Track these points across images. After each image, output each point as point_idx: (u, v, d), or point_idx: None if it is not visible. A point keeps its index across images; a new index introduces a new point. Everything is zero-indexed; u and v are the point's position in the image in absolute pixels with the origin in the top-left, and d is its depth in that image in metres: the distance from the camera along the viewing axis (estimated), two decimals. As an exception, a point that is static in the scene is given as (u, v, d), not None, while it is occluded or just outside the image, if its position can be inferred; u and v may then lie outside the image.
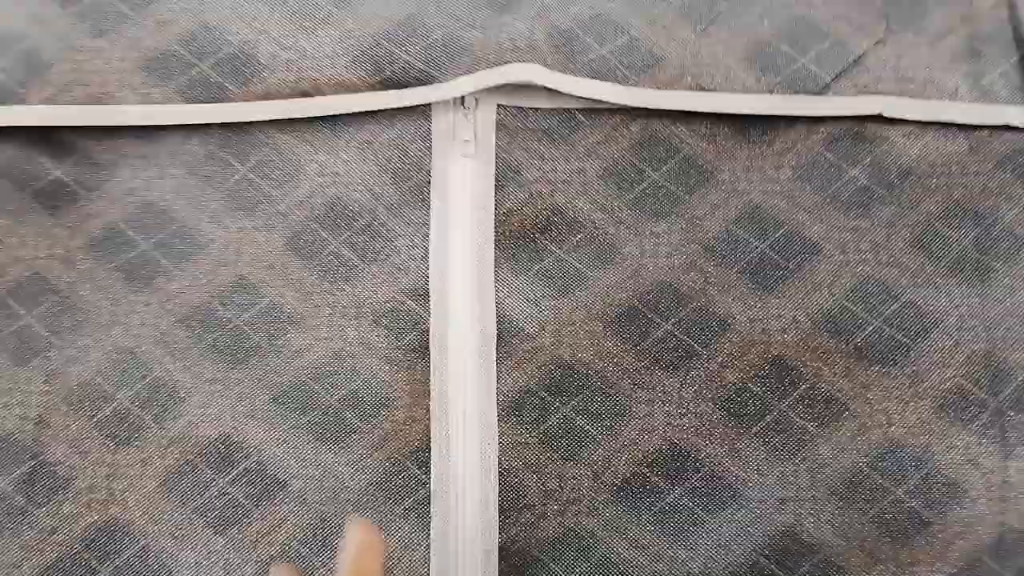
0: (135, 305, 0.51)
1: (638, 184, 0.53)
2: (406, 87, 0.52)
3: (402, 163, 0.53)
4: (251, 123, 0.54)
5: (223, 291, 0.51)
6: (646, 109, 0.53)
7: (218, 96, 0.53)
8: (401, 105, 0.52)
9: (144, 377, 0.49)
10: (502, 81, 0.51)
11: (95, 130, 0.54)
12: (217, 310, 0.51)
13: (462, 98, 0.53)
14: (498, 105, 0.54)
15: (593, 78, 0.52)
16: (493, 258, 0.52)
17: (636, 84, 0.52)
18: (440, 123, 0.53)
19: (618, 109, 0.53)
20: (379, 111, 0.53)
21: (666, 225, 0.52)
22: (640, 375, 0.49)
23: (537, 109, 0.54)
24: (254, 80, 0.53)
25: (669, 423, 0.48)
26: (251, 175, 0.54)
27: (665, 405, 0.48)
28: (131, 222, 0.53)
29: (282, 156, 0.54)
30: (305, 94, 0.53)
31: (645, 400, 0.48)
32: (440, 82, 0.52)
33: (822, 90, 0.52)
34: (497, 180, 0.53)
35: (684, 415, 0.48)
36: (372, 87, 0.53)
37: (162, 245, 0.52)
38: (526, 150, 0.53)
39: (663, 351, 0.49)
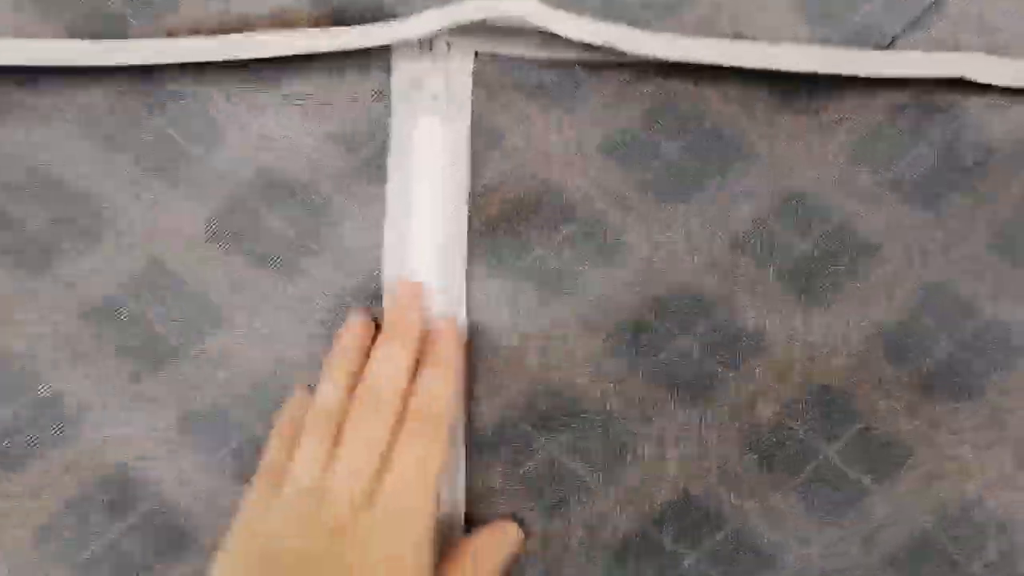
0: (25, 299, 0.40)
1: (651, 160, 0.42)
2: (360, 23, 0.41)
3: (353, 125, 0.43)
4: (163, 67, 0.43)
5: (133, 279, 0.41)
6: (665, 64, 0.42)
7: (117, 32, 0.42)
8: (352, 47, 0.41)
9: (34, 388, 0.39)
10: (483, 16, 0.40)
11: None
12: (125, 303, 0.40)
13: (429, 42, 0.42)
14: (476, 52, 0.43)
15: (602, 20, 0.41)
16: (465, 251, 0.42)
17: (657, 28, 0.41)
18: (402, 74, 0.43)
19: (629, 64, 0.42)
20: (324, 55, 0.43)
21: (685, 214, 0.42)
22: (649, 406, 0.39)
23: (526, 59, 0.43)
24: (164, 11, 0.43)
25: (684, 468, 0.38)
26: (169, 130, 0.43)
27: (680, 445, 0.38)
28: (14, 194, 0.42)
29: (203, 112, 0.43)
30: (231, 31, 0.42)
31: (655, 438, 0.38)
32: (403, 17, 0.41)
33: (888, 45, 0.42)
34: (473, 147, 0.43)
35: (704, 458, 0.38)
36: (316, 22, 0.42)
37: (56, 222, 0.42)
38: (510, 111, 0.43)
39: (679, 375, 0.39)
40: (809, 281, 0.40)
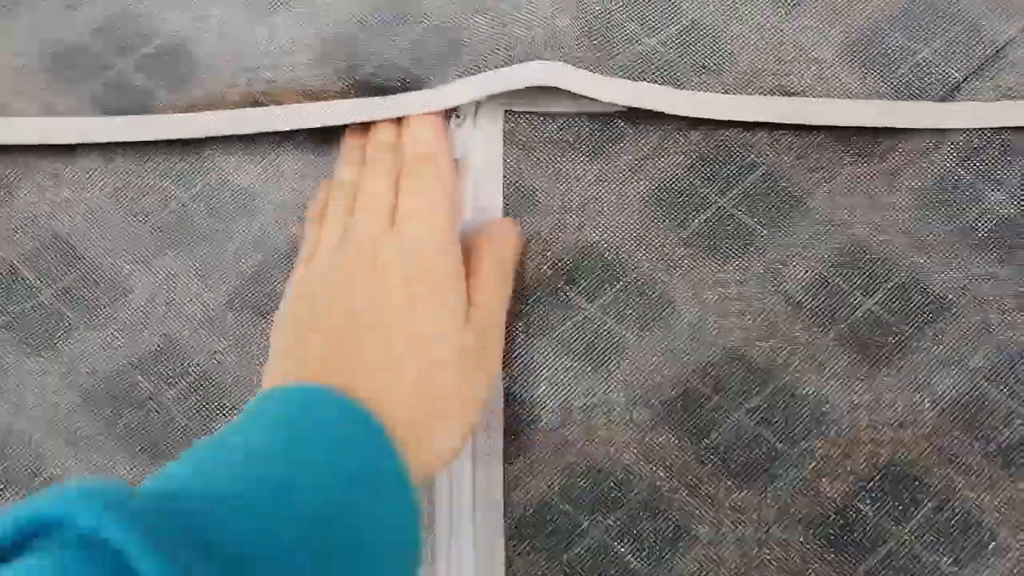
0: (27, 376, 0.39)
1: (699, 213, 0.40)
2: (386, 94, 0.40)
3: None
4: (197, 142, 0.42)
5: (145, 357, 0.39)
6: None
7: (142, 105, 0.41)
8: (378, 118, 0.40)
9: (35, 476, 0.37)
10: (515, 86, 0.39)
11: None
12: (137, 382, 0.38)
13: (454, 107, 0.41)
14: (505, 111, 0.41)
15: (638, 79, 0.38)
16: (504, 317, 0.39)
17: (697, 87, 0.39)
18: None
19: (671, 116, 0.40)
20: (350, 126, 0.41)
21: (737, 271, 0.39)
22: (703, 486, 0.36)
23: (559, 115, 0.41)
24: (190, 83, 0.42)
25: (744, 554, 0.35)
26: (192, 205, 0.41)
27: (738, 528, 0.35)
28: (30, 261, 0.41)
29: (227, 184, 0.41)
30: (256, 103, 0.40)
31: (710, 520, 0.35)
32: (429, 87, 0.39)
33: (950, 93, 0.39)
34: (506, 207, 0.40)
35: (764, 544, 0.35)
36: (342, 94, 0.40)
37: (67, 293, 0.40)
38: (544, 168, 0.41)
39: (734, 451, 0.36)
40: (874, 343, 0.37)
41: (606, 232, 0.40)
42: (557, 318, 0.39)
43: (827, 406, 0.36)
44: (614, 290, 0.40)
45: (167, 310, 0.41)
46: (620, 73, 0.39)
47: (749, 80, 0.39)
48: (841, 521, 0.35)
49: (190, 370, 0.40)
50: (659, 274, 0.40)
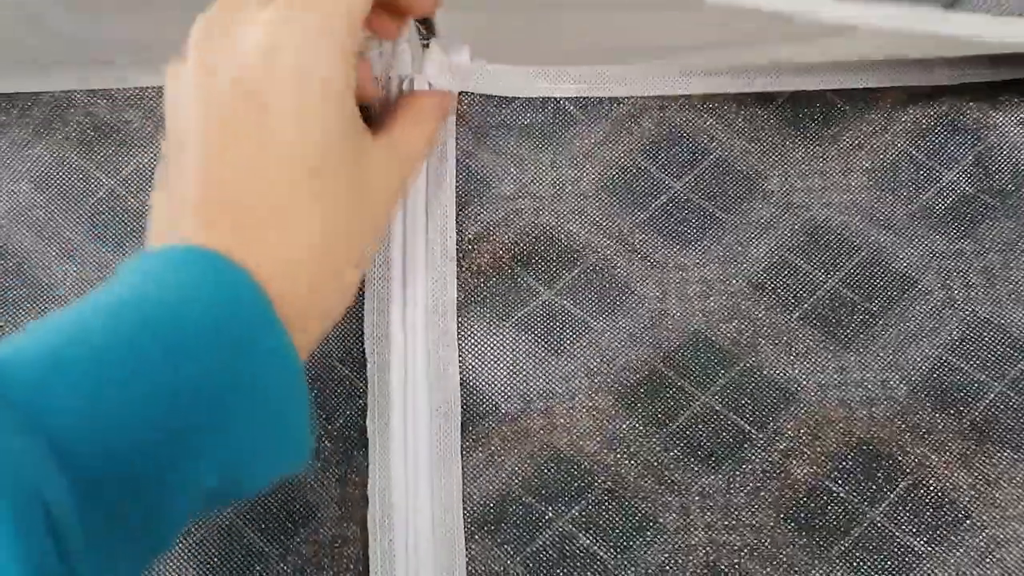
0: None
1: (654, 198, 0.39)
2: None
3: None
4: (118, 120, 0.41)
5: None
6: (659, 97, 0.39)
7: None
8: None
9: None
10: None
11: None
12: None
13: (411, 80, 0.39)
14: (460, 93, 0.39)
15: None
16: (455, 304, 0.38)
17: None
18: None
19: (624, 98, 0.39)
20: None
21: (696, 254, 0.38)
22: (668, 471, 0.34)
23: (511, 99, 0.39)
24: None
25: (713, 540, 0.34)
26: (122, 191, 0.39)
27: (706, 514, 0.34)
28: None
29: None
30: None
31: (677, 507, 0.34)
32: None
33: (949, 3, 0.38)
34: (459, 195, 0.39)
35: (734, 528, 0.34)
36: None
37: None
38: (498, 153, 0.39)
39: (701, 436, 0.35)
40: (839, 322, 0.36)
41: (562, 217, 0.39)
42: (514, 303, 0.38)
43: (795, 386, 0.35)
44: (572, 275, 0.38)
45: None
46: None
47: None
48: (812, 504, 0.34)
49: None
50: (618, 259, 0.38)
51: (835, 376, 0.35)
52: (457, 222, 0.39)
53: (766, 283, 0.38)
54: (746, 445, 0.34)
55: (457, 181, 0.39)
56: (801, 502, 0.34)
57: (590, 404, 0.36)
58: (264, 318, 0.28)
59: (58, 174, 0.41)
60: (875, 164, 0.39)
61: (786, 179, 0.39)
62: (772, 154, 0.40)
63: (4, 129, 0.41)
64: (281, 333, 0.28)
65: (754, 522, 0.33)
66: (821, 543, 0.33)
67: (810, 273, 0.37)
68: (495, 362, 0.37)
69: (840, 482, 0.34)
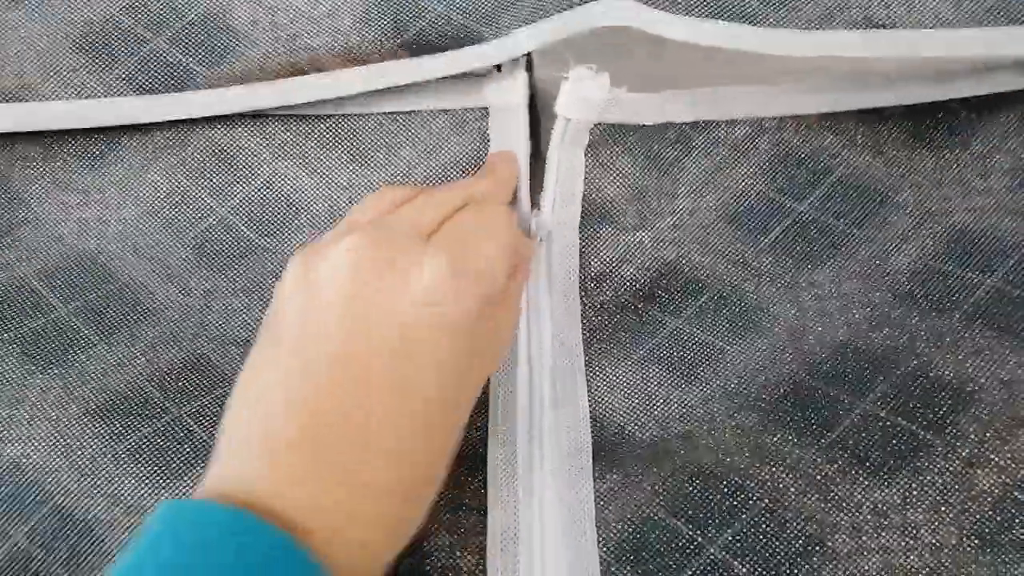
0: (28, 390, 0.33)
1: (779, 221, 0.36)
2: (437, 51, 0.36)
3: None
4: (234, 147, 0.41)
5: (167, 376, 0.34)
6: (780, 117, 0.37)
7: (180, 83, 0.38)
8: (430, 77, 0.36)
9: (42, 503, 0.32)
10: (578, 28, 0.36)
11: (14, 145, 0.41)
12: (153, 398, 0.33)
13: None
14: (593, 125, 0.38)
15: (712, 17, 0.35)
16: (581, 342, 0.36)
17: (774, 24, 0.35)
18: (501, 129, 0.37)
19: (741, 120, 0.37)
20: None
21: (830, 271, 0.35)
22: (833, 486, 0.30)
23: (640, 127, 0.37)
24: (228, 56, 0.40)
25: (890, 562, 0.29)
26: (231, 218, 0.37)
27: (880, 533, 0.29)
28: (49, 279, 0.37)
29: (272, 189, 0.38)
30: (298, 72, 0.37)
31: (847, 526, 0.29)
32: (484, 41, 0.36)
33: None
34: (582, 230, 0.36)
35: (913, 550, 0.29)
36: (389, 54, 0.37)
37: (86, 310, 0.36)
38: (622, 185, 0.37)
39: (867, 445, 0.31)
40: (1010, 317, 0.32)
41: (682, 247, 0.37)
42: (641, 336, 0.35)
43: (972, 385, 0.31)
44: (698, 303, 0.36)
45: (198, 330, 0.36)
46: (693, 12, 0.35)
47: (831, 14, 0.36)
48: (1001, 518, 0.29)
49: (213, 390, 0.35)
50: (745, 284, 0.36)
51: (1021, 372, 0.31)
52: (580, 259, 0.37)
53: (914, 291, 0.34)
54: (921, 453, 0.30)
55: (581, 218, 0.38)
56: (989, 517, 0.29)
57: (733, 423, 0.32)
58: None
59: (169, 200, 0.39)
60: (1017, 163, 0.36)
61: (919, 189, 0.37)
62: (899, 167, 0.37)
63: (124, 154, 0.41)
64: None
65: (936, 540, 0.29)
66: (1008, 562, 0.28)
67: (963, 276, 0.34)
68: (626, 393, 0.34)
69: None
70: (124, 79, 0.40)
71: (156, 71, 0.40)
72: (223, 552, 0.24)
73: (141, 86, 0.40)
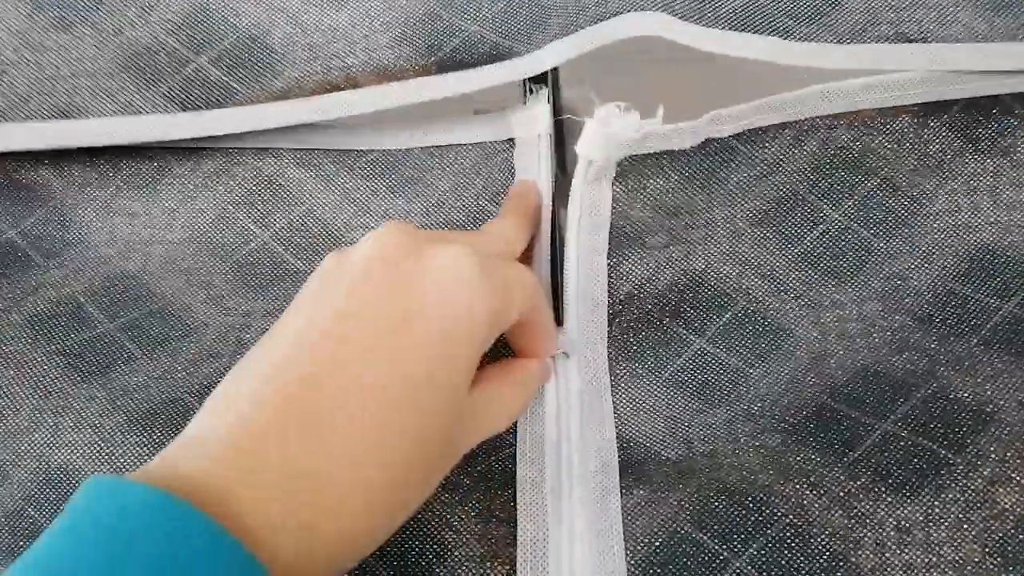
0: (73, 399, 0.34)
1: (811, 229, 0.37)
2: (471, 67, 0.38)
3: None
4: (281, 177, 0.42)
5: (206, 388, 0.35)
6: (828, 117, 0.37)
7: (220, 100, 0.40)
8: (462, 91, 0.38)
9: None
10: (610, 39, 0.36)
11: (72, 170, 0.42)
12: (193, 408, 0.34)
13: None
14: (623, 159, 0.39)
15: (743, 30, 0.36)
16: (607, 363, 0.36)
17: (806, 37, 0.36)
18: (525, 160, 0.38)
19: (789, 123, 0.37)
20: (443, 149, 0.41)
21: (854, 290, 0.36)
22: (856, 503, 0.31)
23: (677, 151, 0.38)
24: (267, 75, 0.42)
25: None
26: (272, 244, 0.38)
27: (904, 550, 0.30)
28: (96, 297, 0.38)
29: (313, 217, 0.39)
30: (335, 89, 0.39)
31: (871, 542, 0.30)
32: (520, 55, 0.37)
33: None
34: (611, 254, 0.38)
35: (936, 566, 0.29)
36: (424, 71, 0.38)
37: (132, 327, 0.37)
38: (654, 208, 0.38)
39: (889, 463, 0.31)
40: None
41: (712, 259, 0.37)
42: (666, 356, 0.36)
43: (991, 406, 0.32)
44: (723, 320, 0.36)
45: (237, 348, 0.37)
46: (723, 25, 0.36)
47: (863, 29, 0.37)
48: (1022, 536, 0.30)
49: None
50: (770, 300, 0.36)
51: None
52: (609, 281, 0.38)
53: (933, 315, 0.35)
54: (944, 471, 0.31)
55: (610, 244, 0.38)
56: (1011, 535, 0.30)
57: (756, 443, 0.33)
58: None
59: (215, 226, 0.41)
60: None
61: (952, 198, 0.37)
62: (941, 171, 0.37)
63: (174, 181, 0.43)
64: None
65: (958, 558, 0.29)
66: None
67: (981, 300, 0.35)
68: (652, 416, 0.35)
69: None
70: (167, 97, 0.42)
71: (198, 89, 0.42)
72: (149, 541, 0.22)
73: (183, 103, 0.42)
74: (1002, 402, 0.32)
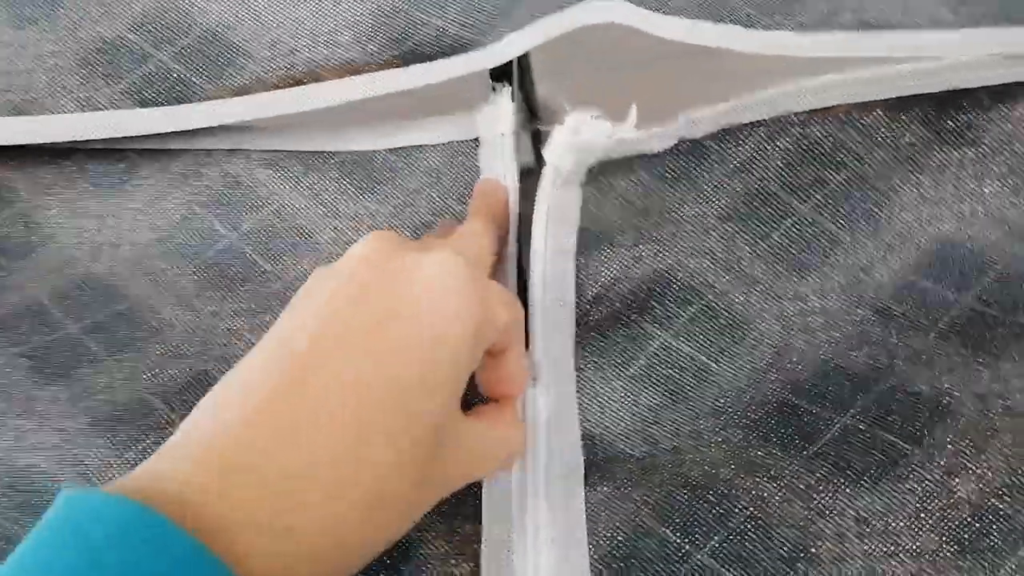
0: (35, 402, 0.34)
1: (779, 222, 0.37)
2: (433, 60, 0.38)
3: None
4: (249, 178, 0.42)
5: (172, 390, 0.35)
6: (802, 114, 0.38)
7: (181, 96, 0.41)
8: (419, 84, 0.38)
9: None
10: (568, 27, 0.37)
11: (37, 172, 0.43)
12: (158, 410, 0.34)
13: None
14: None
15: (702, 19, 0.36)
16: (573, 362, 0.36)
17: (768, 27, 0.36)
18: (489, 159, 0.39)
19: (762, 121, 0.38)
20: (410, 149, 0.41)
21: (816, 282, 0.36)
22: (817, 495, 0.31)
23: (650, 155, 0.39)
24: (228, 70, 0.42)
25: (872, 567, 0.30)
26: (241, 244, 0.39)
27: (864, 541, 0.30)
28: (61, 299, 0.38)
29: (281, 218, 0.39)
30: (297, 83, 0.41)
31: (832, 534, 0.30)
32: (482, 45, 0.38)
33: None
34: (579, 255, 0.37)
35: (895, 555, 0.30)
36: (387, 65, 0.38)
37: (98, 328, 0.37)
38: (622, 206, 0.38)
39: (848, 456, 0.32)
40: (982, 336, 0.34)
41: (680, 255, 0.38)
42: (632, 352, 0.36)
43: (947, 399, 0.32)
44: (688, 315, 0.36)
45: (203, 348, 0.37)
46: (685, 14, 0.37)
47: (825, 20, 0.37)
48: (979, 525, 0.30)
49: None
50: (735, 294, 0.37)
51: (995, 386, 0.32)
52: (577, 281, 0.37)
53: (893, 309, 0.35)
54: (901, 463, 0.31)
55: (578, 245, 0.38)
56: (967, 524, 0.30)
57: (719, 439, 0.33)
58: None
59: (182, 227, 0.41)
60: (1015, 166, 0.37)
61: (918, 190, 0.37)
62: (910, 164, 0.38)
63: (141, 183, 0.43)
64: None
65: (916, 547, 0.30)
66: (985, 566, 0.29)
67: (940, 294, 0.35)
68: (618, 415, 0.35)
69: (1009, 501, 0.30)
70: (128, 93, 0.42)
71: (159, 85, 0.42)
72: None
73: (144, 99, 0.42)
74: (958, 394, 0.32)
